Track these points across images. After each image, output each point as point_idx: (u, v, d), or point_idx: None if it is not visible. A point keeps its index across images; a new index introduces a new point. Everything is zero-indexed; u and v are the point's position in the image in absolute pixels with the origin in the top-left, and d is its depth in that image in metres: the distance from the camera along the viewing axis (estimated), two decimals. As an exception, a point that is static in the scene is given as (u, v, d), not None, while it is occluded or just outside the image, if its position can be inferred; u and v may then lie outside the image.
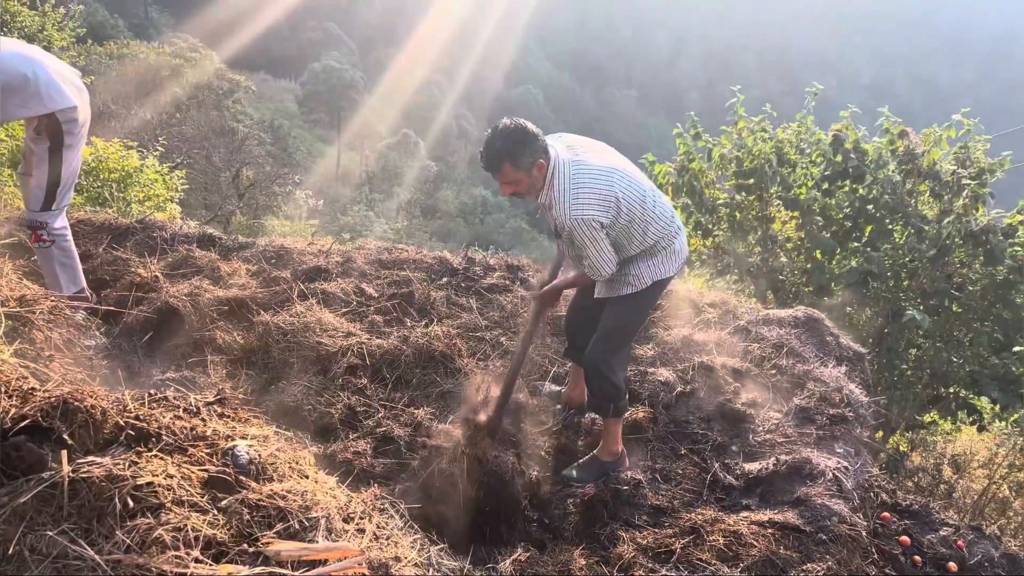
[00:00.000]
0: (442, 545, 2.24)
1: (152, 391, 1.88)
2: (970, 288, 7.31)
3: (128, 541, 1.50)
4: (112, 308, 4.02)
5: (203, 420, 1.82)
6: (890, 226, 7.62)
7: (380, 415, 3.75)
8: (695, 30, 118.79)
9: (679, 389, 4.14)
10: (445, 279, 5.18)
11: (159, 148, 11.47)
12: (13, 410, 1.62)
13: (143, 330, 4.16)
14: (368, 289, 4.84)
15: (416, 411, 3.80)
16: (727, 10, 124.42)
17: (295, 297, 4.55)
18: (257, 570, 1.53)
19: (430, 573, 1.92)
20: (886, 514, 3.89)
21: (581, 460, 3.60)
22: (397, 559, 1.78)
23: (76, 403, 1.65)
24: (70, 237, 4.11)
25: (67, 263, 4.07)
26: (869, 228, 7.67)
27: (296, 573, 1.55)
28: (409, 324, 4.56)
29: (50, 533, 1.52)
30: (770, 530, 3.14)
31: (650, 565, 3.02)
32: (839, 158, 7.64)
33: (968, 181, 7.10)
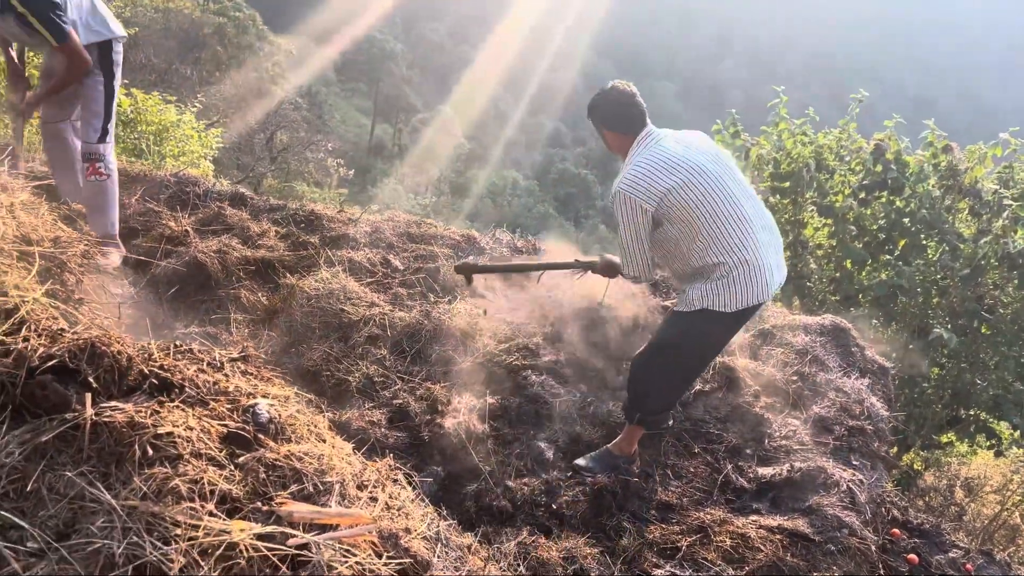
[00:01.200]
0: (451, 521, 2.24)
1: (178, 342, 1.88)
2: (1001, 311, 7.18)
3: (145, 488, 1.51)
4: (142, 258, 4.05)
5: (226, 376, 1.83)
6: (924, 241, 7.50)
7: (397, 387, 3.76)
8: (741, 27, 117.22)
9: (698, 387, 4.10)
10: (471, 257, 5.16)
11: (197, 105, 11.55)
12: (41, 349, 1.63)
13: (169, 283, 4.19)
14: (394, 261, 4.84)
15: (433, 386, 3.80)
16: (775, 9, 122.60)
17: (322, 263, 4.56)
18: (269, 528, 1.53)
19: (438, 548, 1.92)
20: (896, 531, 3.85)
21: (594, 452, 3.58)
22: (407, 531, 1.78)
23: (103, 347, 1.66)
24: (116, 178, 4.20)
25: (113, 202, 4.16)
26: (903, 242, 7.55)
27: (307, 535, 1.55)
28: (432, 299, 4.56)
29: (69, 474, 1.54)
30: (778, 536, 3.12)
31: (655, 560, 3.02)
32: (879, 168, 7.51)
33: (1010, 202, 6.95)
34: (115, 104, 4.12)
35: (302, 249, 4.71)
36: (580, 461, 3.53)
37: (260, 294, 4.23)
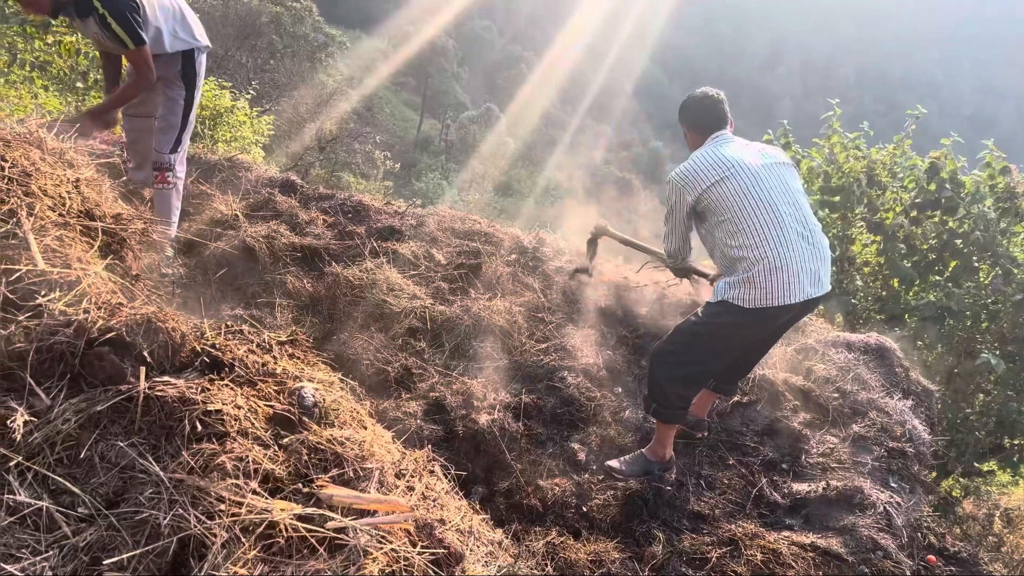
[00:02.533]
0: (484, 516, 2.25)
1: (229, 323, 1.93)
2: (1053, 339, 6.98)
3: (192, 463, 1.55)
4: (193, 238, 4.14)
5: (274, 358, 1.87)
6: (977, 264, 7.31)
7: (434, 380, 3.79)
8: (795, 38, 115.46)
9: (736, 399, 4.06)
10: (514, 256, 5.18)
11: (251, 92, 11.76)
12: (100, 321, 1.68)
13: (218, 265, 4.28)
14: (438, 255, 4.87)
15: (470, 381, 3.82)
16: (831, 21, 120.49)
17: (367, 253, 4.61)
18: (309, 510, 1.56)
19: (470, 541, 1.94)
20: (932, 557, 3.76)
21: (627, 456, 3.57)
22: (442, 522, 1.80)
23: (159, 323, 1.71)
24: (183, 182, 4.25)
25: (177, 206, 4.22)
26: (954, 263, 7.38)
27: (346, 519, 1.58)
28: (473, 295, 4.58)
29: (121, 444, 1.58)
30: (811, 554, 3.08)
31: (683, 569, 3.00)
32: (933, 187, 7.35)
33: (1068, 228, 6.76)
34: (193, 115, 4.13)
35: (348, 239, 4.77)
36: (613, 463, 3.53)
37: (305, 281, 4.29)
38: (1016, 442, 7.32)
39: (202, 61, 4.11)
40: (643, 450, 3.54)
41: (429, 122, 57.95)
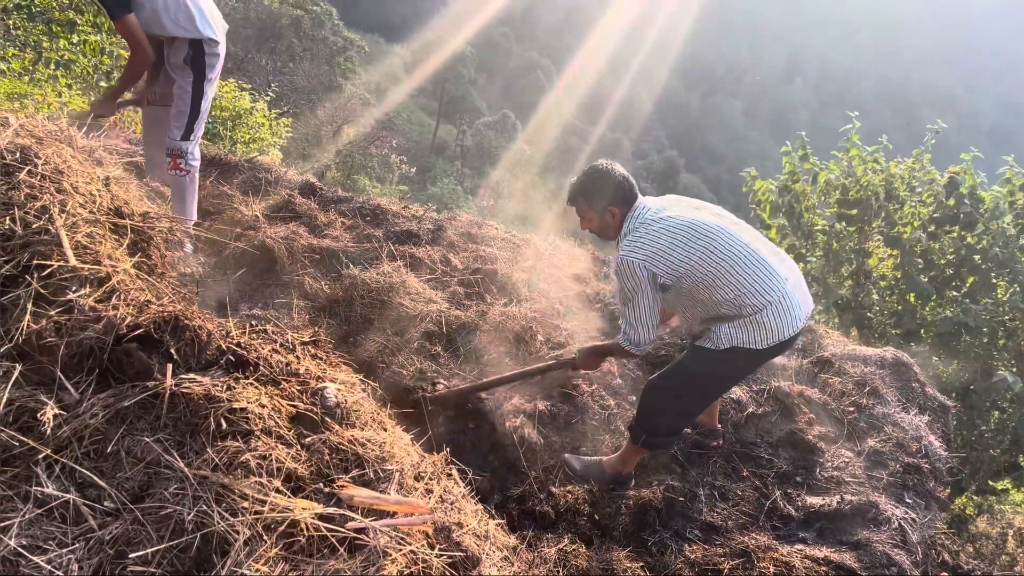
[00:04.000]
0: (500, 521, 2.26)
1: (253, 322, 1.95)
2: (1071, 358, 6.93)
3: (216, 460, 1.57)
4: (214, 237, 4.18)
5: (297, 358, 1.89)
6: (995, 280, 7.27)
7: (450, 384, 3.80)
8: (814, 50, 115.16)
9: (751, 410, 4.05)
10: (530, 262, 5.19)
11: (270, 94, 11.86)
12: (129, 318, 1.70)
13: (237, 265, 4.31)
14: (454, 260, 4.90)
15: (485, 386, 3.82)
16: (851, 33, 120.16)
17: (384, 257, 4.64)
18: (330, 510, 1.58)
19: (486, 545, 1.95)
20: (945, 574, 3.75)
21: (590, 457, 3.55)
22: (459, 525, 1.81)
23: (186, 321, 1.73)
24: (198, 170, 4.30)
25: (193, 195, 4.28)
26: (971, 279, 7.33)
27: (366, 520, 1.59)
28: (489, 300, 4.59)
29: (147, 439, 1.61)
30: (824, 568, 3.06)
31: (695, 580, 2.99)
32: (951, 201, 7.31)
33: (1089, 246, 6.70)
34: (205, 104, 4.16)
35: (366, 242, 4.80)
36: (571, 459, 3.50)
37: (323, 283, 4.32)
38: (1032, 461, 7.26)
39: (216, 54, 4.11)
40: (603, 460, 3.50)
41: (445, 127, 58.10)
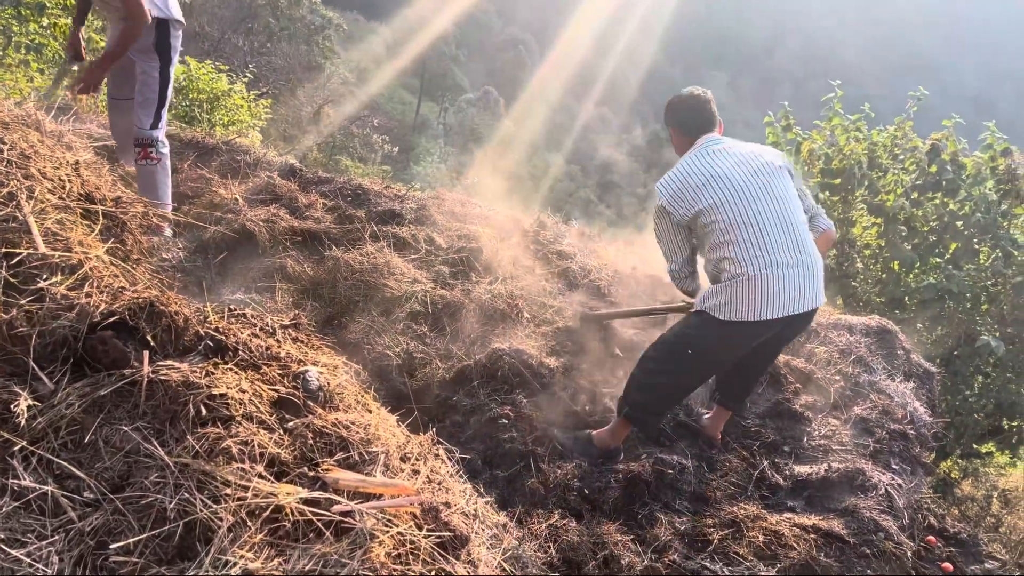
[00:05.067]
0: (488, 499, 2.25)
1: (232, 306, 1.92)
2: (1053, 322, 6.99)
3: (197, 447, 1.55)
4: (193, 222, 4.12)
5: (278, 341, 1.86)
6: (977, 246, 7.30)
7: (436, 364, 3.78)
8: (797, 20, 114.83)
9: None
10: (515, 239, 5.16)
11: (248, 75, 11.69)
12: (103, 305, 1.67)
13: (218, 249, 4.26)
14: (438, 239, 4.86)
15: (471, 365, 3.81)
16: (832, 2, 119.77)
17: (367, 237, 4.60)
18: (315, 494, 1.56)
19: (475, 524, 1.94)
20: (932, 538, 3.79)
21: (579, 432, 3.55)
22: (447, 505, 1.80)
23: (162, 307, 1.70)
24: (168, 156, 4.23)
25: (166, 182, 4.20)
26: (954, 245, 7.37)
27: (351, 503, 1.58)
28: (474, 279, 4.57)
29: (125, 428, 1.58)
30: (813, 535, 3.09)
31: (685, 552, 3.00)
32: (934, 168, 7.32)
33: (1069, 209, 6.74)
34: (170, 90, 4.12)
35: (348, 223, 4.75)
36: (559, 434, 3.50)
37: (305, 265, 4.28)
38: (1015, 424, 7.34)
39: (177, 35, 4.06)
40: (593, 434, 3.51)
41: (427, 105, 57.65)
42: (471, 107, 51.32)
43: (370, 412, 1.83)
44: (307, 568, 1.45)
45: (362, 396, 1.87)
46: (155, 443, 1.55)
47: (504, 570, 1.89)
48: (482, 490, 2.44)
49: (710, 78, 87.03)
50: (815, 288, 3.10)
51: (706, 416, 3.81)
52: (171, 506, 1.46)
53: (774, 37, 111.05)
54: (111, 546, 1.40)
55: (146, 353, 1.64)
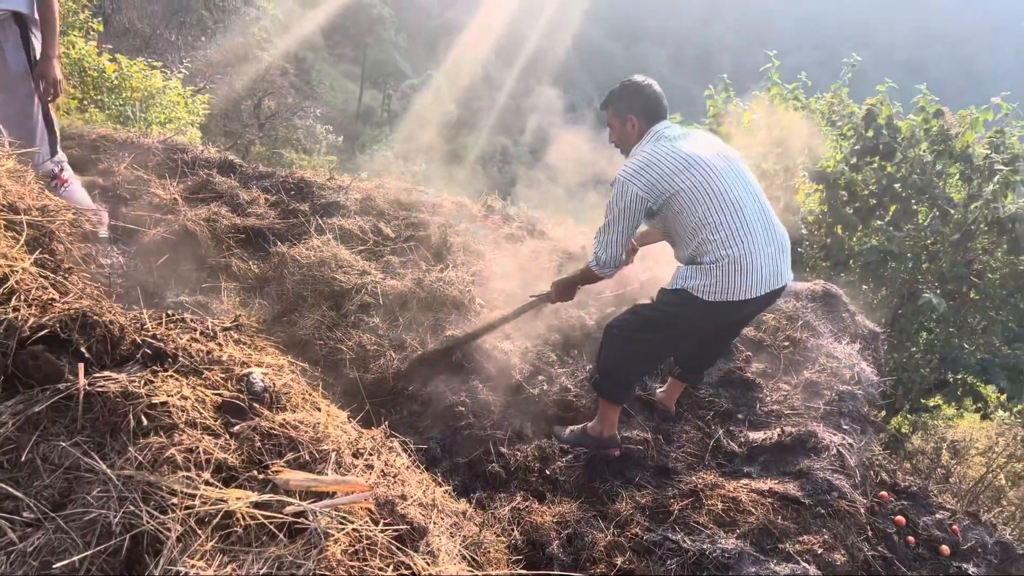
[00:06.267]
0: (447, 487, 2.25)
1: (170, 312, 1.87)
2: (990, 276, 7.23)
3: (140, 458, 1.51)
4: (131, 226, 4.01)
5: (219, 344, 1.82)
6: (915, 207, 7.50)
7: (389, 355, 3.76)
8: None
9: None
10: (463, 225, 5.14)
11: (183, 71, 11.38)
12: (32, 319, 1.61)
13: (159, 252, 4.16)
14: (385, 229, 4.81)
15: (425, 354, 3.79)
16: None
17: (312, 231, 4.53)
18: (266, 497, 1.54)
19: (433, 514, 1.93)
20: (884, 493, 3.90)
21: (575, 426, 3.56)
22: (403, 497, 1.79)
23: (95, 317, 1.65)
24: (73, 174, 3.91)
25: (82, 189, 3.99)
26: (894, 207, 7.55)
27: (304, 503, 1.56)
28: (424, 267, 4.54)
29: (63, 444, 1.53)
30: (769, 499, 3.16)
31: (647, 524, 3.05)
32: (870, 133, 7.48)
33: (1001, 167, 6.94)
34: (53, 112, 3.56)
35: (292, 217, 4.67)
36: (562, 432, 3.52)
37: (251, 262, 4.20)
38: (959, 377, 7.59)
39: (38, 35, 3.41)
40: (588, 426, 3.53)
41: (370, 92, 56.83)
42: (415, 92, 50.82)
43: (319, 410, 1.81)
44: (262, 572, 1.43)
45: (310, 394, 1.85)
46: (96, 457, 1.51)
47: (464, 558, 1.89)
48: (441, 479, 2.44)
49: (652, 54, 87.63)
50: (787, 264, 3.19)
51: (660, 389, 3.86)
52: (116, 520, 1.42)
53: (710, 9, 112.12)
54: (55, 565, 1.36)
55: (81, 365, 1.59)
